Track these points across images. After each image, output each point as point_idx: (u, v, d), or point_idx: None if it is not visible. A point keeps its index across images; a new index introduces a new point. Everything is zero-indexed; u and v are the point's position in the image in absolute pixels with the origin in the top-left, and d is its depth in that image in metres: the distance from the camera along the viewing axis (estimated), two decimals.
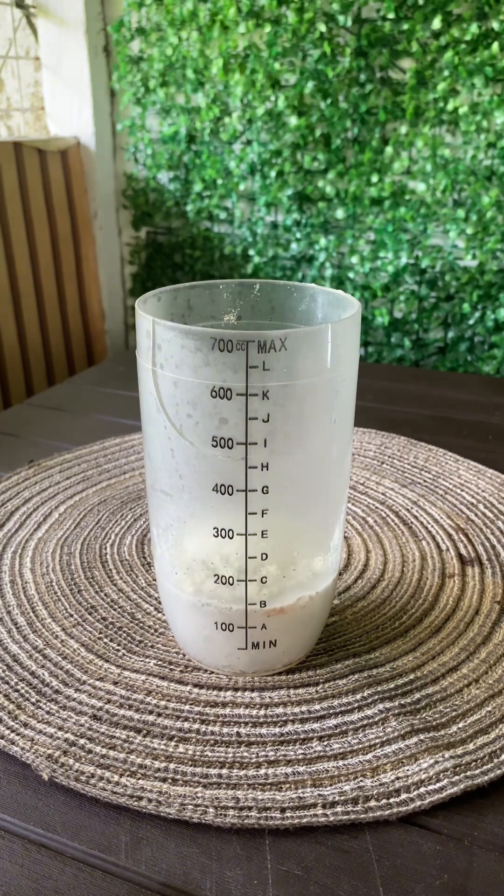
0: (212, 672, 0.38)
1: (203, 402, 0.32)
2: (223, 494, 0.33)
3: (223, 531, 0.34)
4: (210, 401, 0.31)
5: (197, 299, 0.37)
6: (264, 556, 0.34)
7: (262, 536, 0.34)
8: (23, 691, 0.37)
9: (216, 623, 0.36)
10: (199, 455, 0.33)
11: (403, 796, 0.31)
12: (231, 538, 0.34)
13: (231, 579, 0.35)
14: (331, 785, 0.32)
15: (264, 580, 0.35)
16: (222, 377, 0.31)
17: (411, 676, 0.38)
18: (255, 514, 0.33)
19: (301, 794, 0.31)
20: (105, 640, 0.41)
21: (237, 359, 0.31)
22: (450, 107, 0.94)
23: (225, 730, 0.35)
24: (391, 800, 0.31)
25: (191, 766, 0.33)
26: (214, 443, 0.32)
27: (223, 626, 0.36)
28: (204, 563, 0.35)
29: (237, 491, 0.33)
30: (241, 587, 0.35)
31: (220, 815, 0.30)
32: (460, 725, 0.34)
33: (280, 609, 0.35)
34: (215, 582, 0.35)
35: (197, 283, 0.37)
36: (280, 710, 0.36)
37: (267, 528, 0.34)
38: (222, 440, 0.32)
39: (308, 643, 0.39)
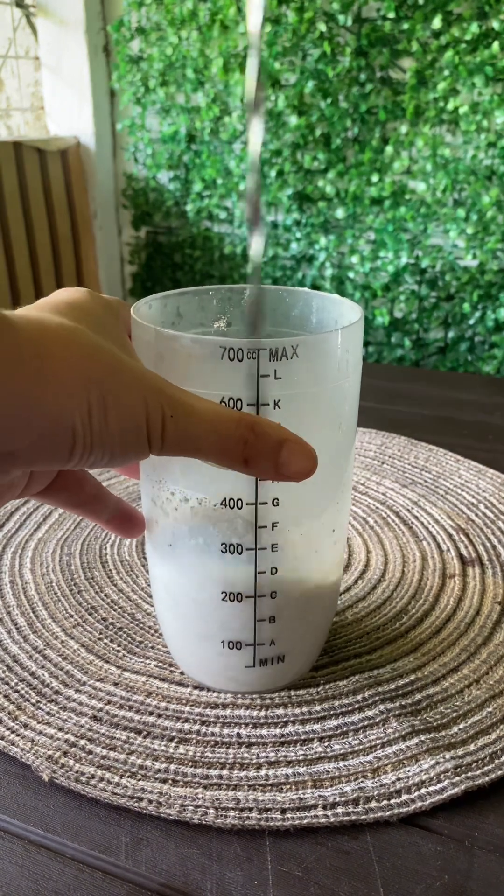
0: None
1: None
2: (232, 509, 0.32)
3: (231, 546, 0.33)
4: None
5: (186, 306, 0.37)
6: (274, 571, 0.34)
7: (273, 550, 0.33)
8: (23, 692, 0.37)
9: (223, 642, 0.35)
10: (209, 470, 0.32)
11: (404, 797, 0.31)
12: (240, 553, 0.33)
13: (240, 595, 0.34)
14: (331, 786, 0.31)
15: (274, 595, 0.34)
16: (232, 388, 0.30)
17: (412, 677, 0.38)
18: (265, 527, 0.33)
19: (302, 795, 0.31)
20: (105, 640, 0.41)
21: (248, 368, 0.30)
22: (450, 106, 0.94)
23: (225, 731, 0.35)
24: (392, 801, 0.31)
25: (191, 767, 0.33)
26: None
27: (230, 645, 0.35)
28: (212, 581, 0.34)
29: (247, 504, 0.32)
30: (250, 602, 0.34)
31: (221, 816, 0.30)
32: (461, 726, 0.34)
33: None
34: (223, 599, 0.34)
35: (186, 289, 0.36)
36: (280, 711, 0.36)
37: (277, 541, 0.33)
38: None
39: (314, 655, 0.38)
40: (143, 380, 0.25)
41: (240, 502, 0.32)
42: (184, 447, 0.26)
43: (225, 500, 0.32)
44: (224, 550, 0.33)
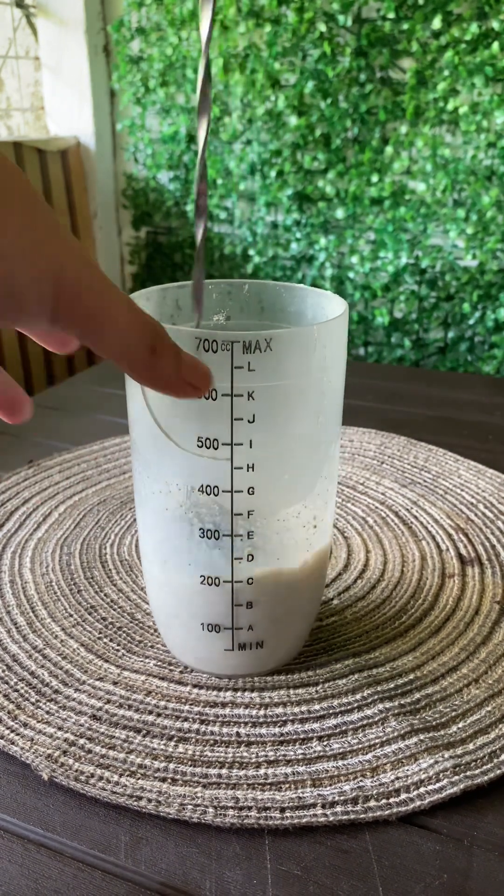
0: (211, 672, 0.38)
1: (188, 403, 0.31)
2: (209, 495, 0.33)
3: (209, 532, 0.34)
4: (195, 401, 0.31)
5: (186, 299, 0.37)
6: (250, 558, 0.34)
7: (249, 538, 0.34)
8: (22, 691, 0.37)
9: (202, 624, 0.36)
10: (185, 456, 0.32)
11: (403, 796, 0.31)
12: (217, 539, 0.34)
13: (217, 580, 0.35)
14: (330, 785, 0.32)
15: (250, 581, 0.35)
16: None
17: (411, 676, 0.38)
18: (241, 514, 0.33)
19: (301, 794, 0.31)
20: (105, 640, 0.41)
21: (222, 359, 0.30)
22: (450, 106, 0.94)
23: (224, 730, 0.35)
24: (391, 800, 0.31)
25: (190, 766, 0.33)
26: (200, 443, 0.32)
27: (209, 628, 0.36)
28: (191, 565, 0.35)
29: (223, 492, 0.33)
30: (227, 587, 0.35)
31: (220, 815, 0.30)
32: (460, 725, 0.34)
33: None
34: (201, 583, 0.35)
35: (186, 282, 0.37)
36: (280, 710, 0.36)
37: (253, 528, 0.34)
38: (207, 440, 0.32)
39: (295, 644, 0.39)
40: (66, 238, 0.23)
41: (216, 489, 0.33)
42: (84, 325, 0.24)
43: (202, 486, 0.33)
44: (202, 536, 0.34)
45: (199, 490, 0.33)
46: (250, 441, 0.32)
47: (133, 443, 0.35)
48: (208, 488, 0.33)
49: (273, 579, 0.35)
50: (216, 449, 0.32)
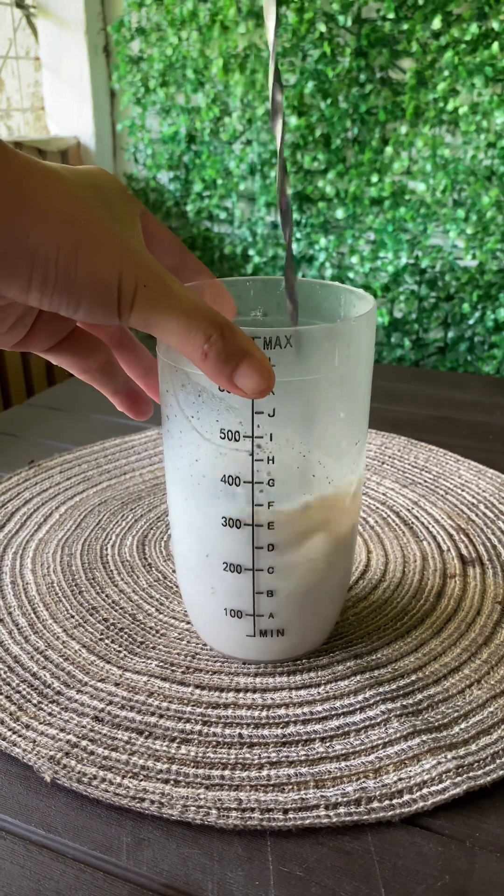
0: (213, 673, 0.38)
1: (211, 396, 0.32)
2: (231, 485, 0.34)
3: (231, 521, 0.34)
4: (218, 394, 0.32)
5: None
6: (270, 548, 0.35)
7: (269, 528, 0.34)
8: (24, 693, 0.37)
9: (225, 609, 0.37)
10: (209, 446, 0.33)
11: (406, 797, 0.31)
12: (238, 528, 0.34)
13: (240, 567, 0.35)
14: (333, 786, 0.32)
15: (271, 570, 0.35)
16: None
17: (413, 677, 0.38)
18: (262, 505, 0.34)
19: (304, 796, 0.31)
20: (106, 641, 0.41)
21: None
22: (450, 107, 0.94)
23: (227, 731, 0.35)
24: (394, 801, 0.31)
25: (193, 767, 0.33)
26: (222, 435, 0.33)
27: (232, 613, 0.37)
28: (213, 554, 0.36)
29: (244, 482, 0.33)
30: (248, 575, 0.35)
31: (223, 816, 0.30)
32: (462, 726, 0.34)
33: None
34: (224, 570, 0.36)
35: (225, 279, 0.37)
36: (282, 711, 0.36)
37: (273, 519, 0.34)
38: (229, 433, 0.32)
39: (318, 632, 0.39)
40: (126, 247, 0.26)
41: (238, 480, 0.33)
42: (150, 322, 0.27)
43: (224, 476, 0.34)
44: (224, 524, 0.35)
45: (221, 480, 0.34)
46: (270, 434, 0.32)
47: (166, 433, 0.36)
48: (230, 478, 0.34)
49: (295, 570, 0.36)
50: (237, 441, 0.32)
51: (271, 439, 0.32)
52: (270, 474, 0.33)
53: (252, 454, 0.33)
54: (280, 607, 0.36)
